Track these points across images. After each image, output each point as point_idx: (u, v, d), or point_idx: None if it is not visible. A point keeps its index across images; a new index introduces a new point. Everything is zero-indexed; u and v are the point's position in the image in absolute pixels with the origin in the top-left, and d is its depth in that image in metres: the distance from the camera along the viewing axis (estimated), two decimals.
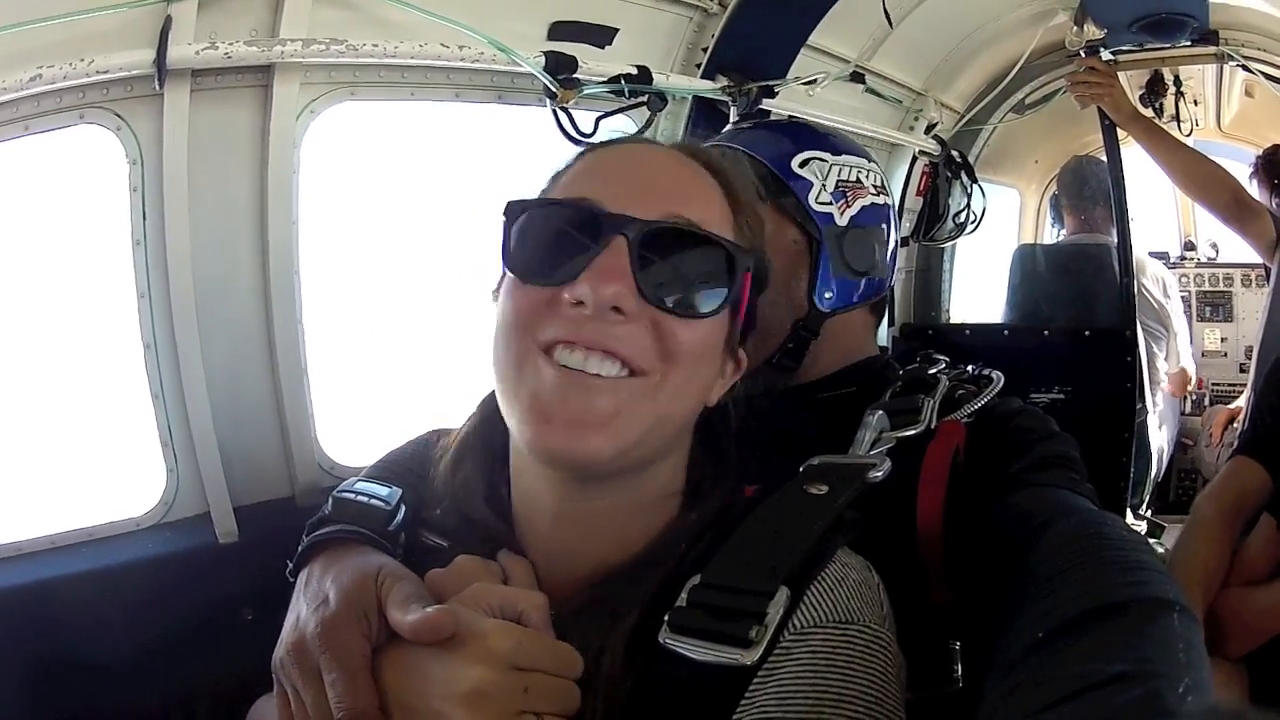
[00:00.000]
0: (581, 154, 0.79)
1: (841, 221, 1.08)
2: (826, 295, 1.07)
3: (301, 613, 0.70)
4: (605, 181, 0.72)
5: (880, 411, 0.92)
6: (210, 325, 1.42)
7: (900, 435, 0.89)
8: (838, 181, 1.09)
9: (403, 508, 0.84)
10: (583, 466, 0.69)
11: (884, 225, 1.14)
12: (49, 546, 1.33)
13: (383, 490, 0.86)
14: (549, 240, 0.70)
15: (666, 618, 0.64)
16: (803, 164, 1.08)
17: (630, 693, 0.64)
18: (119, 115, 1.29)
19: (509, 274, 0.72)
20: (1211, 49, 2.60)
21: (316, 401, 1.57)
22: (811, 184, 1.07)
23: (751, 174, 0.89)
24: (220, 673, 1.33)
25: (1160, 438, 3.51)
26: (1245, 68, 2.63)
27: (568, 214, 0.70)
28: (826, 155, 1.10)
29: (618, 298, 0.65)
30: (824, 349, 1.08)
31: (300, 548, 0.78)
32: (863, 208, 1.10)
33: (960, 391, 0.98)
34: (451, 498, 0.80)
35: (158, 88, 1.24)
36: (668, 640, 0.63)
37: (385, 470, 0.92)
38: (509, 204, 0.72)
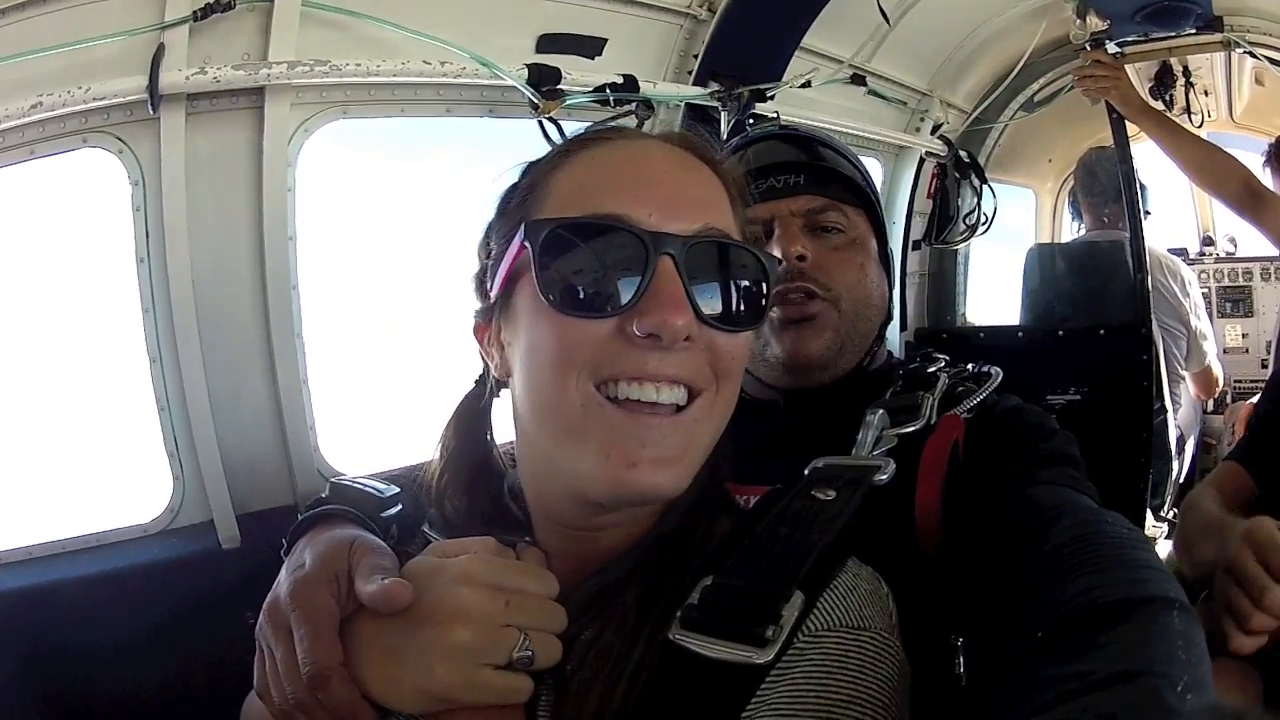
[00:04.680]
0: (569, 149, 0.74)
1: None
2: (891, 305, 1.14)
3: (281, 578, 0.72)
4: (629, 192, 0.67)
5: (881, 410, 0.93)
6: (212, 339, 1.47)
7: (901, 433, 0.90)
8: None
9: (399, 504, 0.87)
10: (656, 500, 0.69)
11: None
12: (59, 551, 1.39)
13: (380, 484, 0.89)
14: (588, 265, 0.65)
15: (678, 614, 0.64)
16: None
17: (630, 685, 0.63)
18: (119, 139, 1.35)
19: (544, 305, 0.65)
20: (1217, 36, 2.55)
21: (317, 411, 1.61)
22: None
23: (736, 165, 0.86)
24: (220, 671, 1.37)
25: (1186, 441, 3.42)
26: (1252, 54, 2.58)
27: (604, 235, 0.65)
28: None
29: (689, 327, 0.64)
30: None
31: (294, 525, 0.81)
32: None
33: (960, 388, 0.99)
34: (463, 504, 0.82)
35: (151, 112, 1.29)
36: (678, 636, 0.62)
37: (389, 476, 0.95)
38: (530, 224, 0.66)
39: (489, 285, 0.75)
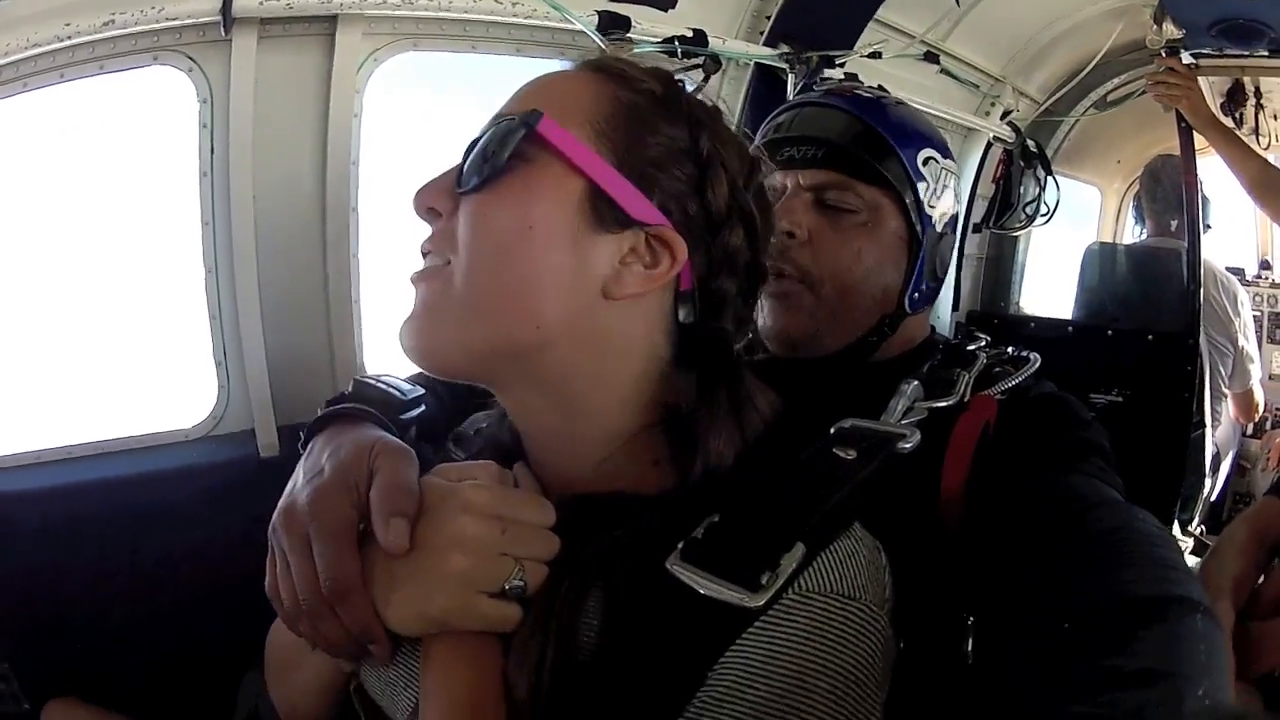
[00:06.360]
0: None
1: (939, 227, 1.07)
2: (915, 296, 1.07)
3: (298, 480, 0.71)
4: None
5: (915, 381, 0.90)
6: (268, 255, 1.51)
7: (933, 406, 0.88)
8: (942, 186, 1.08)
9: (422, 406, 0.88)
10: (425, 360, 0.70)
11: (957, 232, 1.14)
12: (98, 452, 1.44)
13: (404, 385, 0.90)
14: None
15: (680, 545, 0.63)
16: (925, 161, 1.06)
17: (610, 608, 0.64)
18: (190, 58, 1.38)
19: None
20: None
21: (366, 333, 1.65)
22: (929, 185, 1.06)
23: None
24: (250, 577, 1.43)
25: (1222, 460, 3.34)
26: None
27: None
28: (939, 156, 1.08)
29: (426, 198, 0.70)
30: (890, 342, 1.08)
31: (312, 421, 0.80)
32: (953, 215, 1.11)
33: (997, 369, 0.97)
34: (489, 420, 0.83)
35: (223, 34, 1.32)
36: (675, 566, 0.62)
37: (414, 378, 0.95)
38: None
39: None
